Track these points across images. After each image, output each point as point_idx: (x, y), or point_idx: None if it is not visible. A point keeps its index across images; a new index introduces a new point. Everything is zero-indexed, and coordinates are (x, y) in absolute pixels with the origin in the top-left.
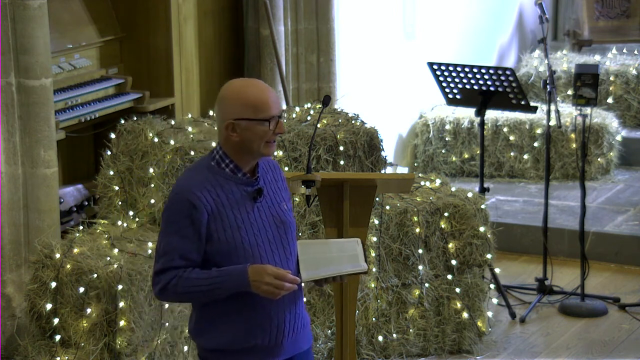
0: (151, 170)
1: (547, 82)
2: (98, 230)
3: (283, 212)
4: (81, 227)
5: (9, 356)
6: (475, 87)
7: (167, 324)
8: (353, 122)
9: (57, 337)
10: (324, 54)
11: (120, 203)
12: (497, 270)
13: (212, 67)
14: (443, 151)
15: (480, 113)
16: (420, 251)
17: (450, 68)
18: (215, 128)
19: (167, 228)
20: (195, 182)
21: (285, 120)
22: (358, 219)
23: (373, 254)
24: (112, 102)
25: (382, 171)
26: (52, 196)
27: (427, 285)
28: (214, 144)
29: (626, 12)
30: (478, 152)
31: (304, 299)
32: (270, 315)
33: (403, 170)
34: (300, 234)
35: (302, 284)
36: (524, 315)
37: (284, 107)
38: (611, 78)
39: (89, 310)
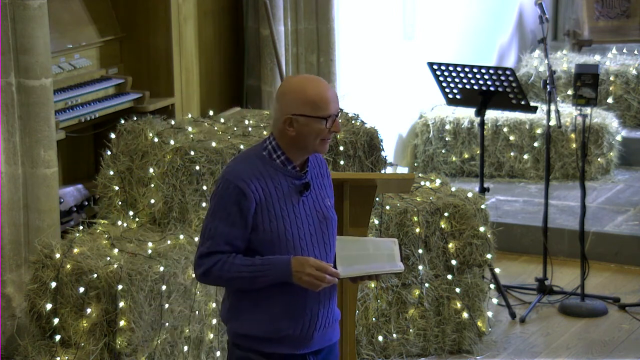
0: (151, 170)
1: (547, 82)
2: (98, 230)
3: (327, 207)
4: (81, 227)
5: (9, 356)
6: (475, 87)
7: (167, 324)
8: (353, 122)
9: (57, 337)
10: (324, 54)
11: (120, 203)
12: (497, 270)
13: (212, 67)
14: (443, 151)
15: (480, 113)
16: (420, 251)
17: (450, 68)
18: (215, 128)
19: (215, 213)
20: (245, 170)
21: None
22: (358, 219)
23: None
24: (112, 102)
25: (382, 171)
26: (52, 196)
27: (427, 285)
28: (214, 144)
29: (626, 12)
30: (478, 152)
31: None
32: (306, 307)
33: (403, 170)
34: None
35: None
36: (524, 315)
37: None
38: (611, 78)
39: (89, 310)
